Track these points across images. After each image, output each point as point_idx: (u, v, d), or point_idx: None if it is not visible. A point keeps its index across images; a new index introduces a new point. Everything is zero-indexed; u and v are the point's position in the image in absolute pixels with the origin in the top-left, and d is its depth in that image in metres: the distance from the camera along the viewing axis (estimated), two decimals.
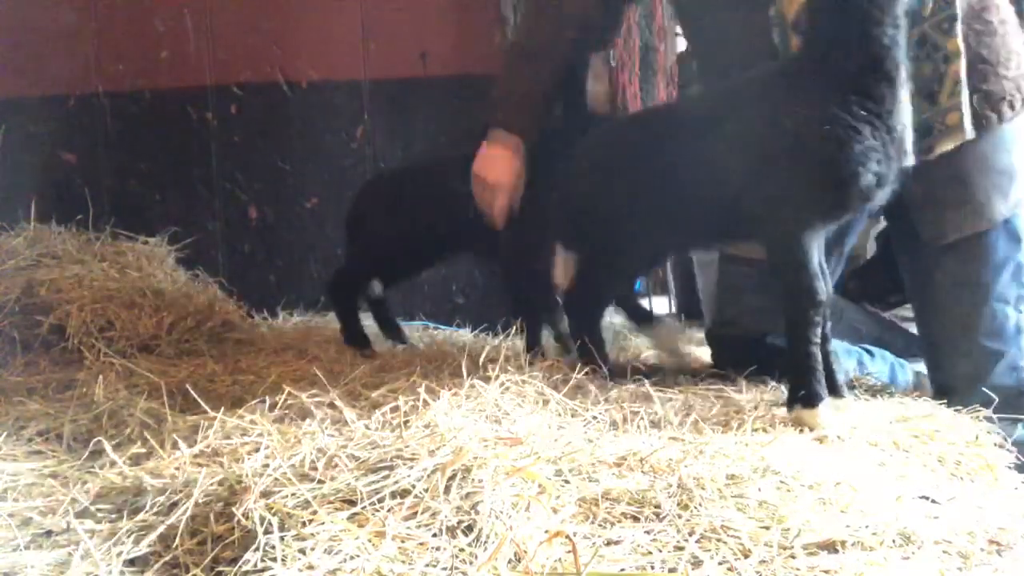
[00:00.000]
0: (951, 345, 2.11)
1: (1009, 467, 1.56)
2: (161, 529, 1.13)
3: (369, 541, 1.03)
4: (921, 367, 2.60)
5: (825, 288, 1.74)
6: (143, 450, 1.48)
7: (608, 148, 2.19)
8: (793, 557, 1.07)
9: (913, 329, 2.95)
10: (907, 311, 3.27)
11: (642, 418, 1.60)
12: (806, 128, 1.69)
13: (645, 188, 2.00)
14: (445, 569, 1.00)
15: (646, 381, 1.85)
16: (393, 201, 2.63)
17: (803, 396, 1.68)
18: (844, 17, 1.67)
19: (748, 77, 1.91)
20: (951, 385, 2.07)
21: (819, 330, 1.74)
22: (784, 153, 1.73)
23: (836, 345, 2.49)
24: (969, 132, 1.98)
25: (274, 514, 1.07)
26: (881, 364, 2.64)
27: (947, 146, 2.00)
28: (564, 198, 2.21)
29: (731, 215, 1.87)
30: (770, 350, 2.17)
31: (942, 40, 1.95)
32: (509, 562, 1.01)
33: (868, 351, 2.68)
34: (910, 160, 1.77)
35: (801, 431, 1.61)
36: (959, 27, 1.94)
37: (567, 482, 1.26)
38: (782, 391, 1.83)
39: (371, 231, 2.65)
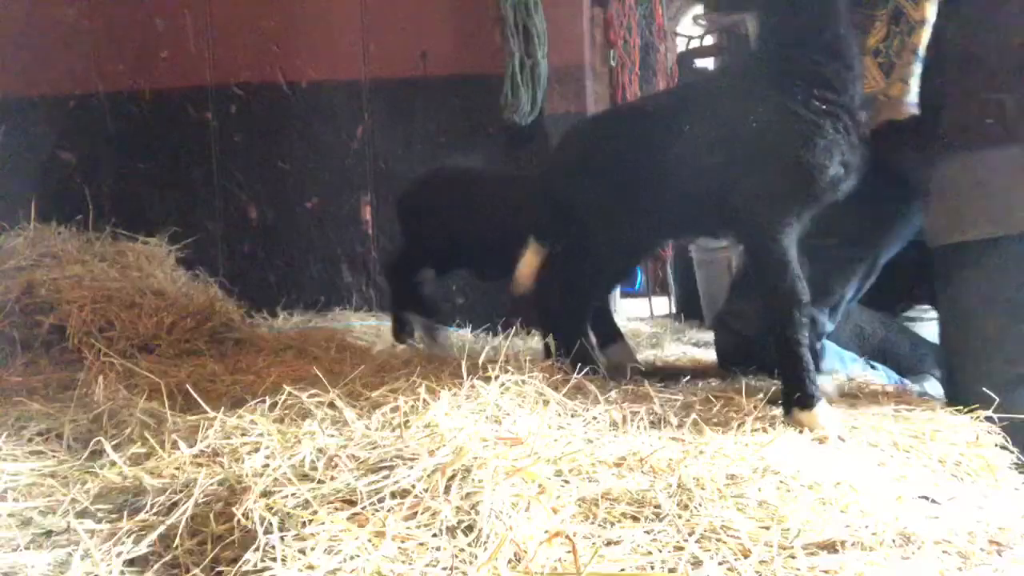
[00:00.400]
0: (972, 362, 2.02)
1: (1010, 467, 1.56)
2: (161, 529, 1.13)
3: (369, 541, 1.03)
4: (921, 385, 2.59)
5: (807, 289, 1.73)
6: (143, 450, 1.48)
7: (586, 143, 2.19)
8: (793, 557, 1.06)
9: (916, 330, 2.95)
10: (909, 312, 3.25)
11: (642, 418, 1.60)
12: (770, 127, 1.70)
13: (622, 183, 2.00)
14: (445, 569, 1.00)
15: (646, 381, 1.85)
16: (459, 199, 2.63)
17: (799, 398, 1.67)
18: (801, 10, 1.69)
19: (712, 75, 1.92)
20: (965, 401, 1.94)
21: (806, 331, 1.73)
22: (752, 152, 1.73)
23: (843, 354, 2.49)
24: (910, 107, 1.91)
25: (274, 514, 1.07)
26: (884, 380, 2.62)
27: (886, 117, 1.95)
28: (542, 192, 2.21)
29: (704, 210, 1.88)
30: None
31: (911, 10, 1.92)
32: (509, 562, 1.01)
33: (872, 366, 2.66)
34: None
35: (801, 431, 1.61)
36: None
37: (567, 482, 1.26)
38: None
39: (435, 223, 2.65)
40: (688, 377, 2.09)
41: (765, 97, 1.71)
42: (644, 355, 2.79)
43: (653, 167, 1.92)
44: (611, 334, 2.35)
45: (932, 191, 2.06)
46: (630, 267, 2.72)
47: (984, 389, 1.85)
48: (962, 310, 2.04)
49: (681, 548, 1.08)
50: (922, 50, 1.90)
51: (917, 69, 1.92)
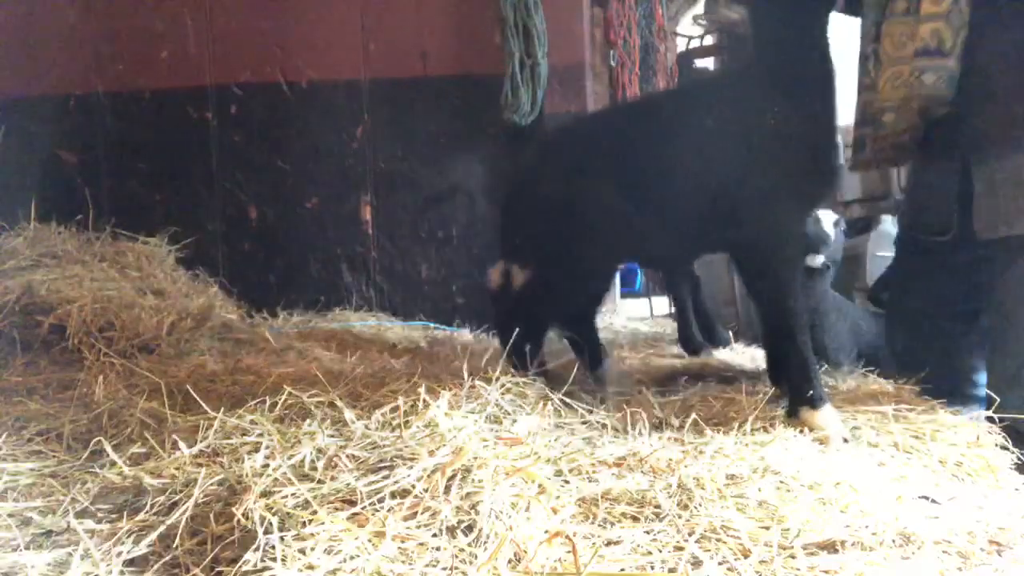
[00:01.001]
0: (1010, 354, 1.99)
1: (1011, 468, 1.56)
2: (161, 529, 1.13)
3: (369, 541, 1.03)
4: None
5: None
6: (143, 450, 1.48)
7: (566, 151, 2.01)
8: (793, 557, 1.06)
9: None
10: None
11: (642, 419, 1.60)
12: (784, 126, 1.73)
13: (608, 192, 1.85)
14: (445, 569, 1.00)
15: (644, 388, 1.85)
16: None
17: (809, 397, 1.67)
18: (791, 26, 1.75)
19: (709, 79, 1.94)
20: (1005, 391, 1.87)
21: (807, 331, 1.74)
22: (768, 151, 1.75)
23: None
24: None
25: (274, 514, 1.07)
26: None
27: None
28: (513, 207, 2.06)
29: (707, 218, 1.81)
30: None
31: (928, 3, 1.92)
32: (509, 562, 1.01)
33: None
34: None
35: (801, 431, 1.61)
36: None
37: (567, 482, 1.26)
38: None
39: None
40: (687, 377, 2.09)
41: (762, 103, 1.74)
42: (643, 354, 2.79)
43: (646, 179, 1.87)
44: (596, 353, 2.21)
45: (981, 185, 2.04)
46: (603, 288, 2.42)
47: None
48: (1003, 303, 2.04)
49: (681, 548, 1.08)
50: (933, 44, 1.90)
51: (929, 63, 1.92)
